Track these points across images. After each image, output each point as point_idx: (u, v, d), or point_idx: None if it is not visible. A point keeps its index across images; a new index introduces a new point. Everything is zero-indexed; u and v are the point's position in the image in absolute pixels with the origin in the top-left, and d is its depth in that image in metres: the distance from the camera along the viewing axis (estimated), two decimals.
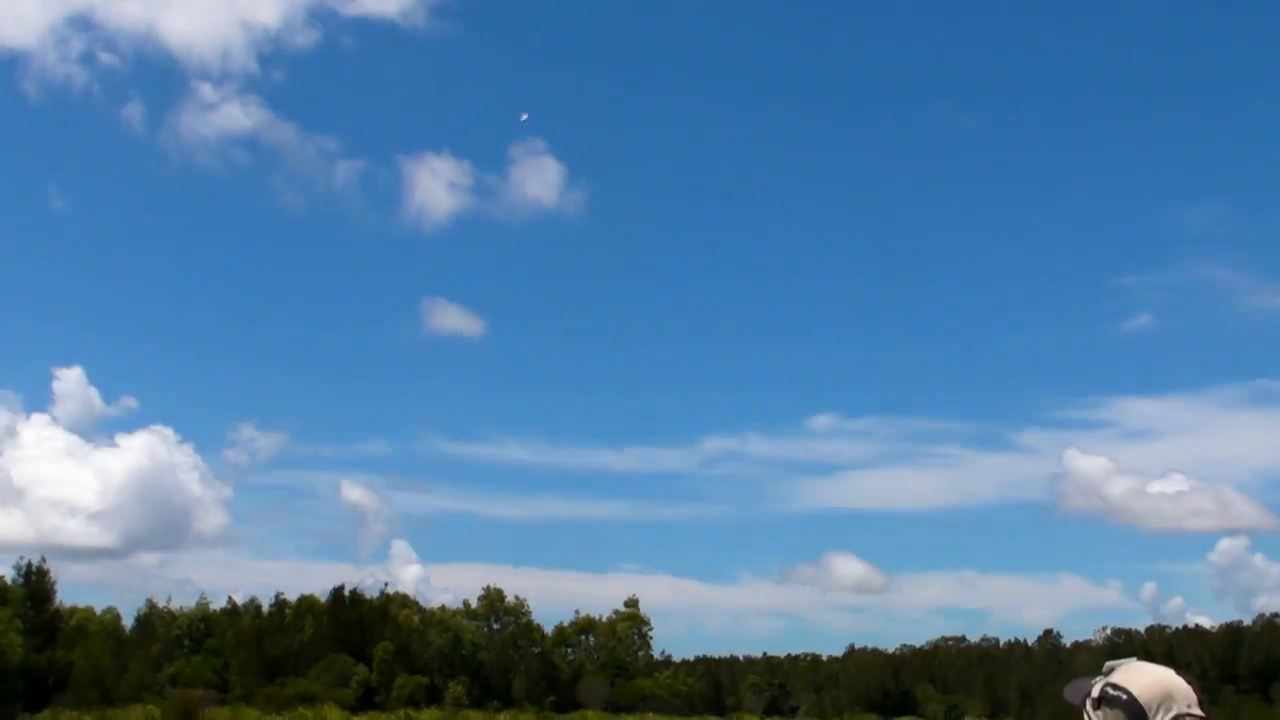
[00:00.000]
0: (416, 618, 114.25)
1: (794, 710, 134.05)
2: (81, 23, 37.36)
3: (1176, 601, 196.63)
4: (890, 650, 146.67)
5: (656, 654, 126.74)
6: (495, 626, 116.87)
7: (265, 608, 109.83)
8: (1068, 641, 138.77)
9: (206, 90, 37.57)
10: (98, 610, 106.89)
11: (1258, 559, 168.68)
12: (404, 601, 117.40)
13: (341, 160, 38.58)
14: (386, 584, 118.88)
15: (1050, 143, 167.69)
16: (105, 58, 36.50)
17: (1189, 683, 20.06)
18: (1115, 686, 20.06)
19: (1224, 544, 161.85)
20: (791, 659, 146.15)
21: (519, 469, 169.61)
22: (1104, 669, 20.23)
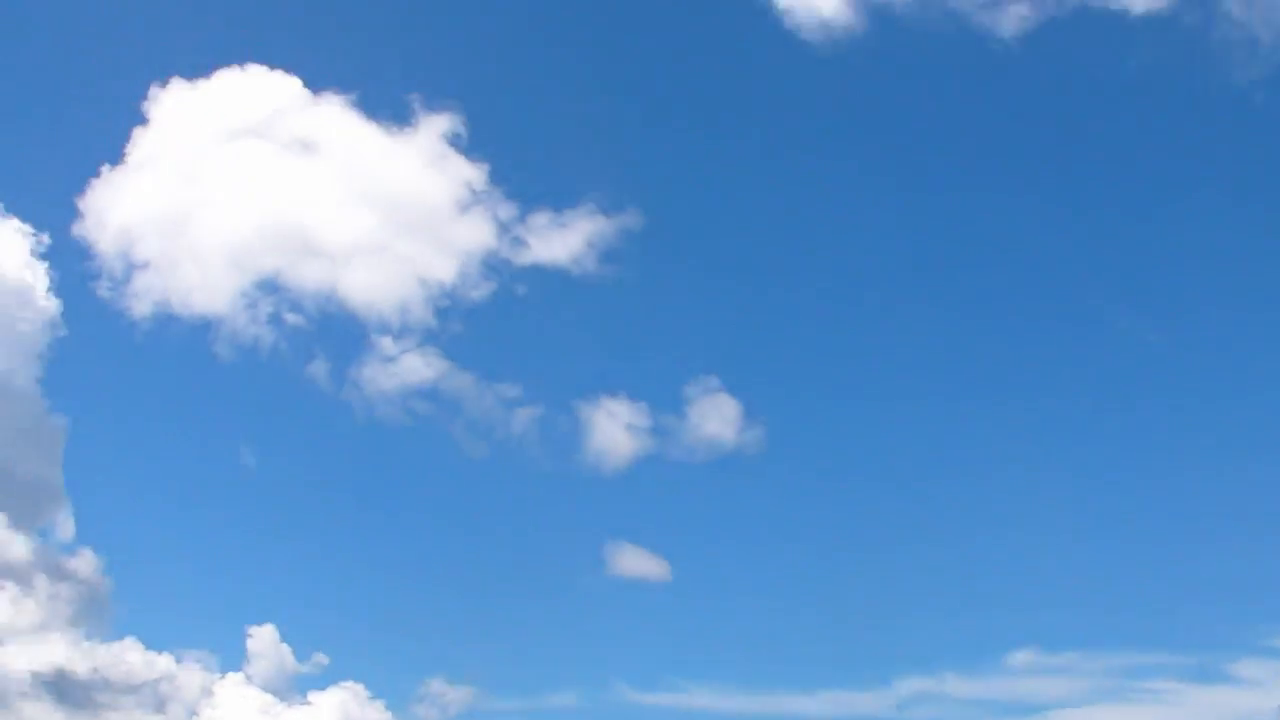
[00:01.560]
0: None
1: None
2: (269, 286, 38.41)
3: None
4: None
5: None
6: None
7: None
8: None
9: (387, 344, 38.48)
10: None
11: None
12: None
13: (520, 407, 39.28)
14: None
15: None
16: (291, 318, 37.87)
17: None
18: None
19: None
20: None
21: (710, 717, 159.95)
22: None
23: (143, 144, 35.70)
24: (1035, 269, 40.31)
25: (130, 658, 35.09)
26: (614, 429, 36.49)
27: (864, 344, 39.20)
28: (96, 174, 35.36)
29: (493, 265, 36.40)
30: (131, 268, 35.09)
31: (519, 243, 36.58)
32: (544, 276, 36.79)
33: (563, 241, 36.62)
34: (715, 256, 38.76)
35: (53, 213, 35.11)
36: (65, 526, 33.00)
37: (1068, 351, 39.96)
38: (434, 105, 36.52)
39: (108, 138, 35.98)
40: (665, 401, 37.83)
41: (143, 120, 35.77)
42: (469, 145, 36.71)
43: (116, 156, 35.49)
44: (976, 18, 36.65)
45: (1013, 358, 39.95)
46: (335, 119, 36.33)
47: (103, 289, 35.12)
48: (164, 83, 35.90)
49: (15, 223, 33.87)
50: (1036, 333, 40.03)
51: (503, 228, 36.62)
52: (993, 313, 39.67)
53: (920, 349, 39.04)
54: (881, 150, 40.26)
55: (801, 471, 39.16)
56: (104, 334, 35.67)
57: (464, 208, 36.54)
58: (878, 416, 39.11)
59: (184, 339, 35.51)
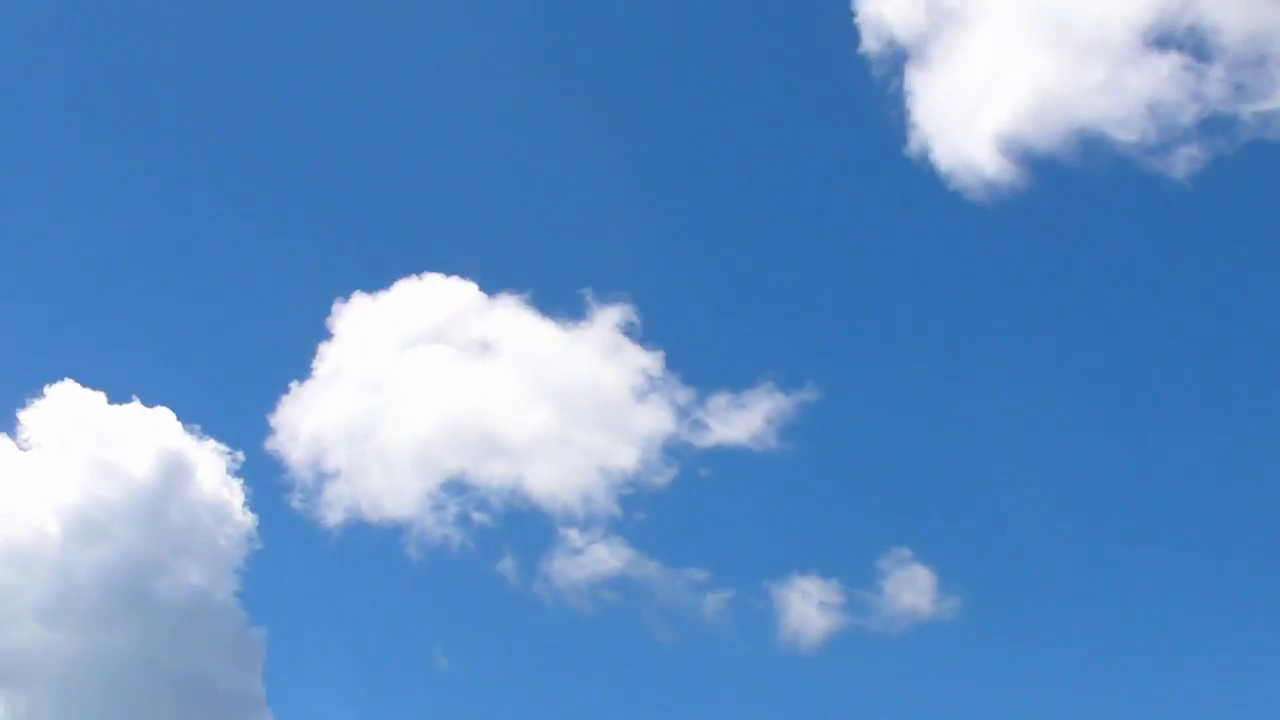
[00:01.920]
0: None
1: None
2: (455, 486, 39.91)
3: None
4: None
5: None
6: None
7: None
8: None
9: (574, 536, 39.32)
10: None
11: None
12: None
13: (710, 591, 39.54)
14: None
15: None
16: (478, 516, 39.08)
17: None
18: None
19: None
20: None
21: None
22: None
23: (328, 357, 36.88)
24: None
25: None
26: (807, 608, 35.87)
27: (1053, 505, 38.03)
28: (285, 390, 36.52)
29: (674, 450, 36.43)
30: (322, 478, 35.91)
31: (699, 426, 36.62)
32: (726, 458, 36.65)
33: (742, 421, 36.56)
34: (897, 425, 38.21)
35: (246, 431, 36.24)
36: None
37: None
38: (605, 298, 37.16)
39: (295, 354, 37.22)
40: (858, 576, 37.08)
41: (327, 335, 37.00)
42: (643, 334, 37.16)
43: (304, 372, 36.67)
44: (1145, 162, 36.07)
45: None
46: (511, 318, 37.18)
47: (295, 500, 35.94)
48: (346, 298, 37.19)
49: (212, 443, 35.04)
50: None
51: (681, 412, 36.73)
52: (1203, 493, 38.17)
53: (1123, 512, 37.78)
54: (1057, 305, 39.55)
55: (1003, 640, 37.81)
56: (298, 544, 36.39)
57: (641, 395, 36.84)
58: (1078, 579, 37.73)
59: (375, 544, 36.03)
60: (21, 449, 34.03)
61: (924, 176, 37.39)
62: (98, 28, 40.89)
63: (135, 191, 40.13)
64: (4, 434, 34.14)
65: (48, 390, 34.53)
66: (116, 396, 34.82)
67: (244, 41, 41.69)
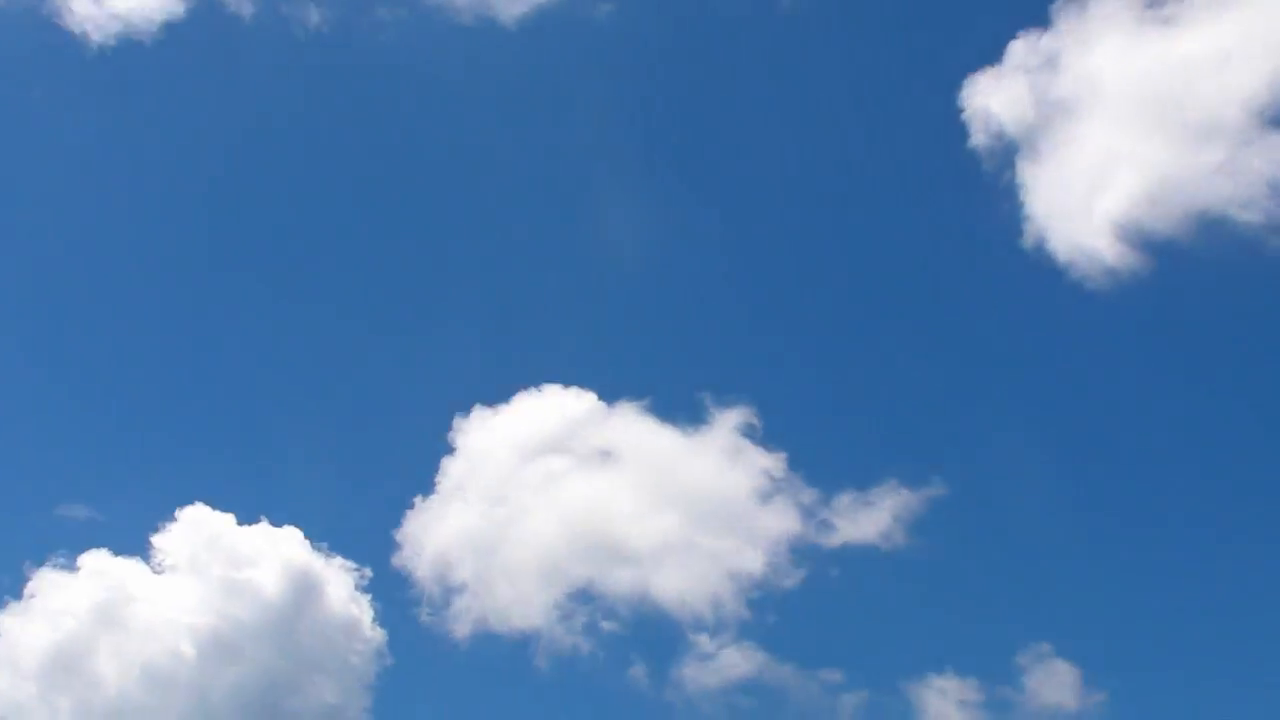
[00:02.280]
0: None
1: None
2: (582, 595, 40.13)
3: None
4: None
5: None
6: None
7: None
8: None
9: (704, 641, 39.31)
10: None
11: None
12: None
13: (845, 692, 38.91)
14: None
15: None
16: (607, 624, 39.31)
17: None
18: None
19: None
20: None
21: None
22: None
23: (451, 471, 37.08)
24: None
25: None
26: (945, 707, 35.10)
27: (1200, 591, 36.96)
28: (410, 505, 36.70)
29: (801, 551, 36.04)
30: (449, 592, 35.91)
31: (825, 526, 36.21)
32: (855, 557, 36.17)
33: (869, 519, 36.09)
34: (1028, 516, 37.48)
35: (373, 547, 36.45)
36: None
37: None
38: (724, 401, 37.07)
39: (418, 470, 37.46)
40: (997, 673, 36.18)
41: (449, 449, 37.23)
42: (763, 436, 36.96)
43: (428, 487, 36.88)
44: (1271, 243, 35.49)
45: None
46: (630, 426, 37.20)
47: (424, 615, 35.94)
48: (466, 412, 37.48)
49: (339, 560, 35.33)
50: None
51: (807, 513, 36.37)
52: None
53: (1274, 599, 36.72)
54: (1186, 389, 38.81)
55: None
56: (427, 658, 36.32)
57: (765, 497, 36.56)
58: (1231, 669, 36.52)
59: (504, 655, 35.85)
60: (155, 572, 34.62)
61: (1042, 267, 37.14)
62: (226, 135, 42.07)
63: (251, 313, 40.93)
64: (138, 558, 34.77)
65: (179, 514, 35.18)
66: (245, 517, 35.38)
67: (366, 156, 42.66)
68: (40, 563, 34.62)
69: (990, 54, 38.42)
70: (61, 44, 39.99)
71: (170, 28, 40.21)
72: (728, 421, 36.94)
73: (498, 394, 37.68)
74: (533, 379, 37.79)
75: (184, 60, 41.70)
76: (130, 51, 40.24)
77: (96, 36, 39.63)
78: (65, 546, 34.81)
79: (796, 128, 42.17)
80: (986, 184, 38.43)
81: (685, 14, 42.79)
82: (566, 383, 37.57)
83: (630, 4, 42.19)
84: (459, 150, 42.66)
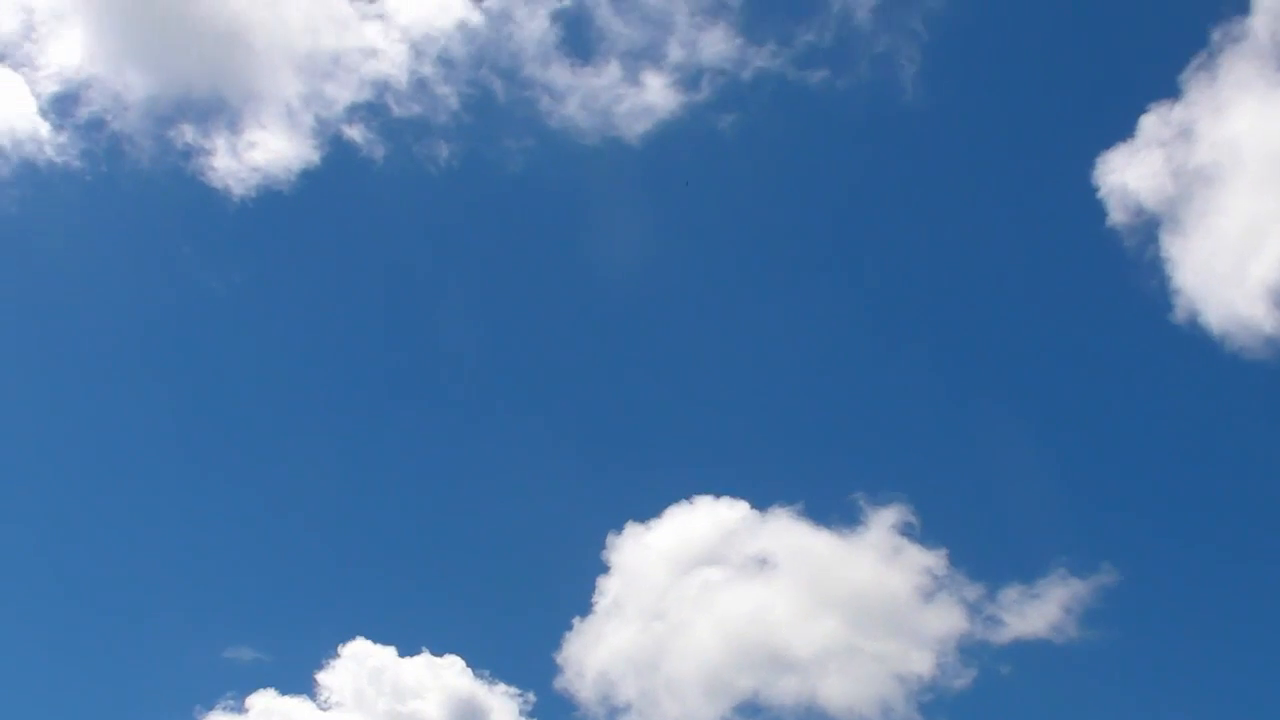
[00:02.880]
0: None
1: None
2: (748, 708, 38.99)
3: None
4: None
5: None
6: None
7: None
8: None
9: None
10: None
11: None
12: None
13: None
14: None
15: None
16: None
17: None
18: None
19: None
20: None
21: None
22: None
23: (607, 590, 36.87)
24: None
25: None
26: None
27: None
28: (569, 627, 36.51)
29: (970, 649, 35.04)
30: (614, 712, 35.51)
31: (993, 621, 35.19)
32: (1026, 652, 35.03)
33: (1038, 612, 35.00)
34: (1206, 602, 36.08)
35: (535, 671, 36.28)
36: None
37: None
38: (879, 500, 36.47)
39: (574, 590, 37.34)
40: None
41: (604, 568, 37.09)
42: (922, 533, 36.22)
43: (585, 607, 36.71)
44: None
45: None
46: (785, 532, 36.71)
47: None
48: (619, 529, 37.35)
49: (502, 686, 35.22)
50: None
51: (973, 609, 35.41)
52: None
53: None
54: None
55: None
56: None
57: (928, 596, 35.70)
58: None
59: None
60: (322, 709, 34.86)
61: (1197, 341, 36.15)
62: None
63: (401, 442, 41.46)
64: (304, 696, 35.03)
65: (341, 650, 35.47)
66: (407, 649, 35.55)
67: (507, 283, 43.17)
68: (210, 706, 35.15)
69: (1122, 130, 37.96)
70: (206, 199, 41.37)
71: (307, 175, 41.40)
72: (884, 520, 36.35)
73: (649, 509, 37.58)
74: (684, 492, 37.63)
75: (323, 207, 42.83)
76: (271, 203, 41.47)
77: (238, 190, 40.92)
78: (234, 689, 35.33)
79: (930, 222, 41.93)
80: (1130, 261, 37.72)
81: (810, 119, 42.91)
82: (718, 493, 37.35)
83: (754, 112, 42.49)
84: (594, 271, 43.05)
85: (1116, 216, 37.38)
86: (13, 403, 41.17)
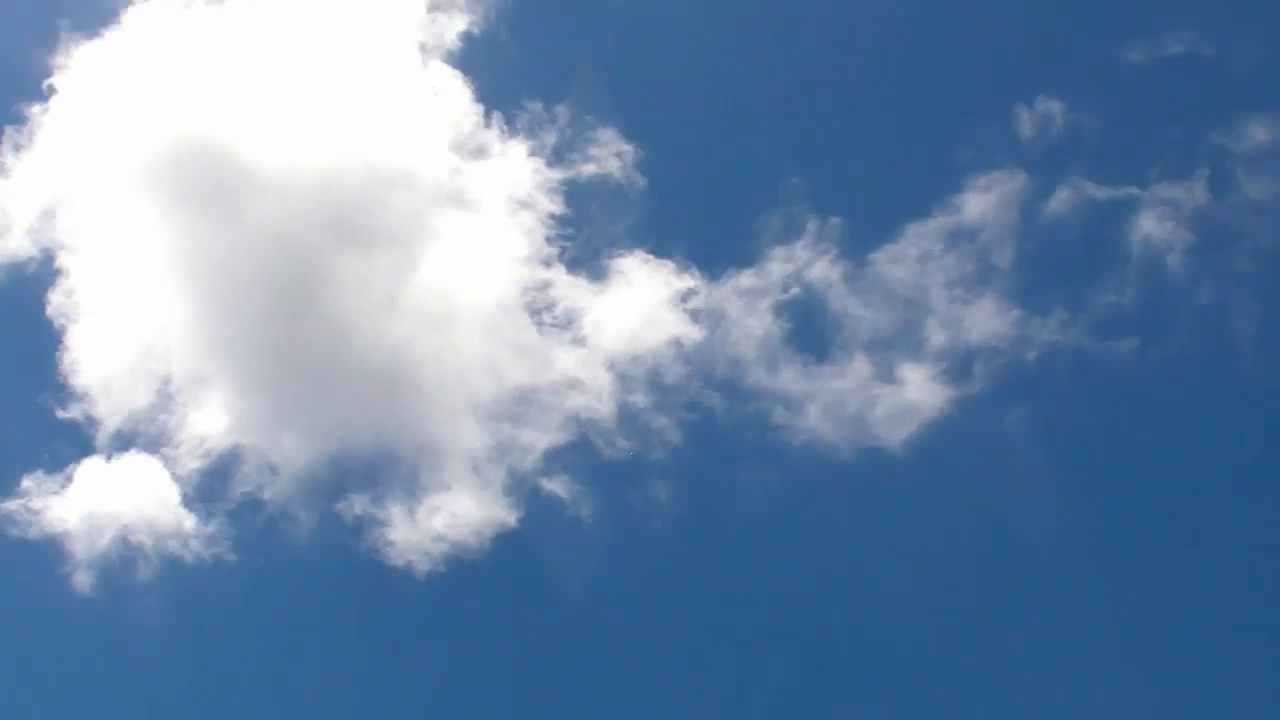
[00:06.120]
0: None
1: None
2: None
3: None
4: None
5: None
6: None
7: None
8: None
9: None
10: None
11: None
12: None
13: None
14: None
15: None
16: None
17: None
18: None
19: None
20: None
21: None
22: None
23: None
24: None
25: None
26: None
27: None
28: None
29: None
30: None
31: None
32: None
33: None
34: None
35: None
36: None
37: None
38: None
39: None
40: None
41: None
42: None
43: None
44: None
45: None
46: None
47: None
48: None
49: None
50: None
51: None
52: None
53: None
54: None
55: None
56: None
57: None
58: None
59: None
60: None
61: None
62: None
63: None
64: None
65: None
66: None
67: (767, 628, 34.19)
68: None
69: None
70: (385, 580, 33.79)
71: (502, 539, 33.83)
72: None
73: None
74: None
75: (523, 576, 34.80)
76: (462, 577, 33.77)
77: (423, 566, 33.48)
78: None
79: None
80: None
81: (1120, 399, 34.35)
82: None
83: (1045, 399, 34.11)
84: (858, 614, 34.07)
85: None
86: None
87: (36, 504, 34.29)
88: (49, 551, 34.05)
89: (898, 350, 34.47)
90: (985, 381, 33.98)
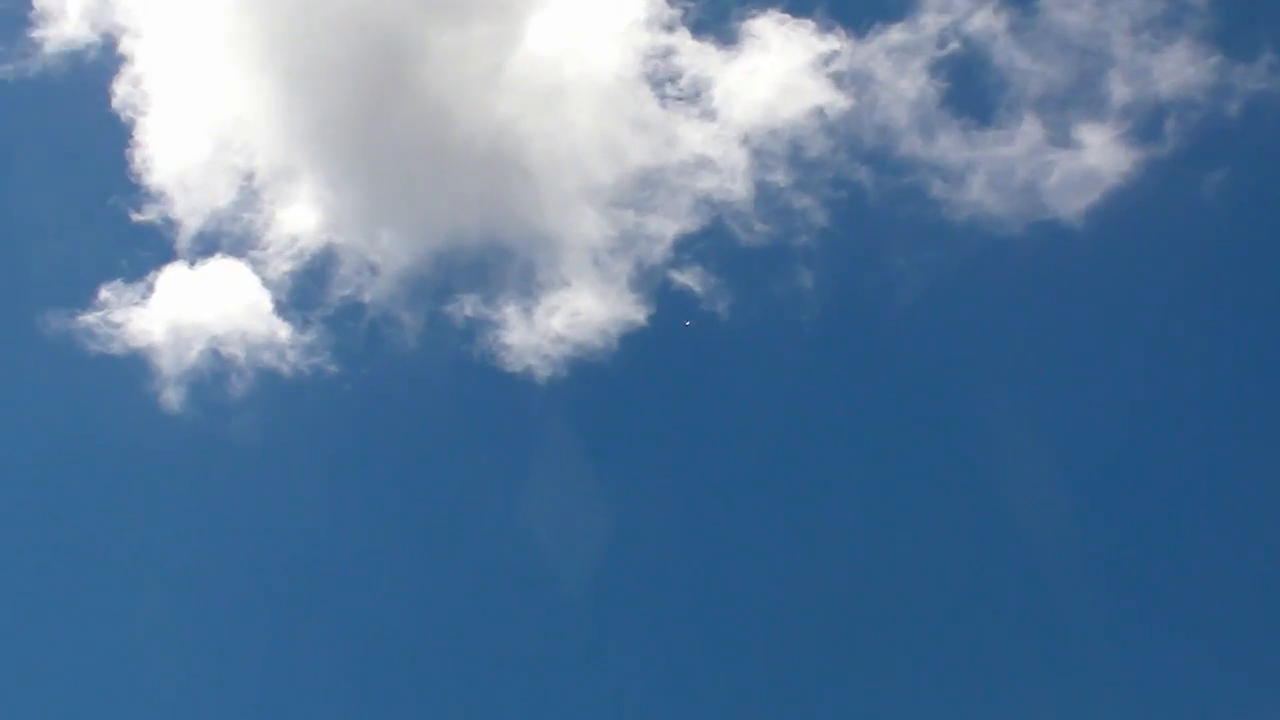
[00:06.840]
0: None
1: None
2: None
3: None
4: None
5: None
6: None
7: None
8: None
9: None
10: None
11: None
12: None
13: None
14: None
15: None
16: None
17: None
18: None
19: None
20: None
21: None
22: None
23: None
24: None
25: None
26: None
27: None
28: None
29: None
30: None
31: None
32: None
33: None
34: None
35: None
36: None
37: None
38: None
39: None
40: None
41: None
42: None
43: None
44: None
45: None
46: None
47: None
48: None
49: None
50: None
51: None
52: None
53: None
54: None
55: None
56: None
57: None
58: None
59: None
60: None
61: None
62: None
63: None
64: None
65: None
66: None
67: None
68: None
69: None
70: (503, 387, 30.61)
71: (629, 339, 30.52)
72: None
73: None
74: None
75: (656, 381, 31.50)
76: (587, 382, 30.54)
77: (543, 371, 30.26)
78: None
79: None
80: None
81: None
82: None
83: (1246, 164, 29.77)
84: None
85: None
86: None
87: (117, 316, 31.36)
88: (133, 367, 31.20)
89: (1074, 109, 30.49)
90: (1178, 141, 29.85)
